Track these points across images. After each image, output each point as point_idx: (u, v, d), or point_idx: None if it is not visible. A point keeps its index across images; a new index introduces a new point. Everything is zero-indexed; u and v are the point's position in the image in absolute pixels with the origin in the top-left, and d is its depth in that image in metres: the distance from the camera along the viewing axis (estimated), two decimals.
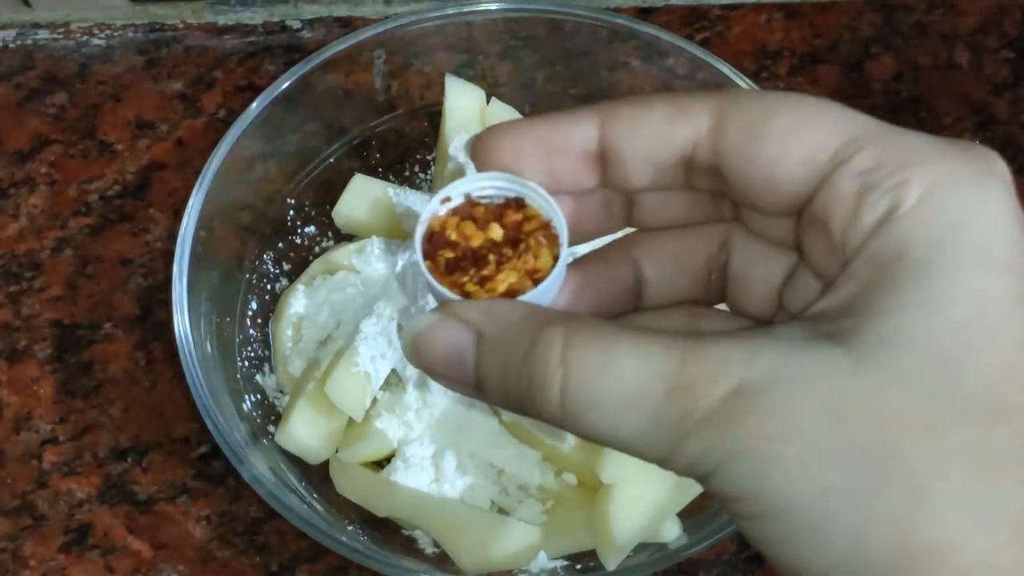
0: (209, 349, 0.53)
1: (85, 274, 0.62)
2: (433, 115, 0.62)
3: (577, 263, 0.32)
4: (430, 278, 0.30)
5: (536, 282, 0.29)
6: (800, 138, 0.27)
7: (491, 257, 0.30)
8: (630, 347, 0.26)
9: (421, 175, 0.63)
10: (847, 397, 0.24)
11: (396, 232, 0.58)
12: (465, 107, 0.60)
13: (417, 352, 0.29)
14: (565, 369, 0.26)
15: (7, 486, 0.57)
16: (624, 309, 0.33)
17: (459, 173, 0.59)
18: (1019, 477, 0.24)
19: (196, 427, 0.57)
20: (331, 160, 0.61)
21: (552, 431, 0.51)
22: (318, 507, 0.51)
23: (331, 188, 0.60)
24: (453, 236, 0.30)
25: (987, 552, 0.24)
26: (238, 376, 0.55)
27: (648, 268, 0.33)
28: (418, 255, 0.30)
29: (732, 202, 0.31)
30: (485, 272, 0.30)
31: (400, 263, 0.54)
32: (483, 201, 0.31)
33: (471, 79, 0.61)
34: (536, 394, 0.27)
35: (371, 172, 0.61)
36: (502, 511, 0.52)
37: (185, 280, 0.52)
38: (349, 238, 0.60)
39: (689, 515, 0.51)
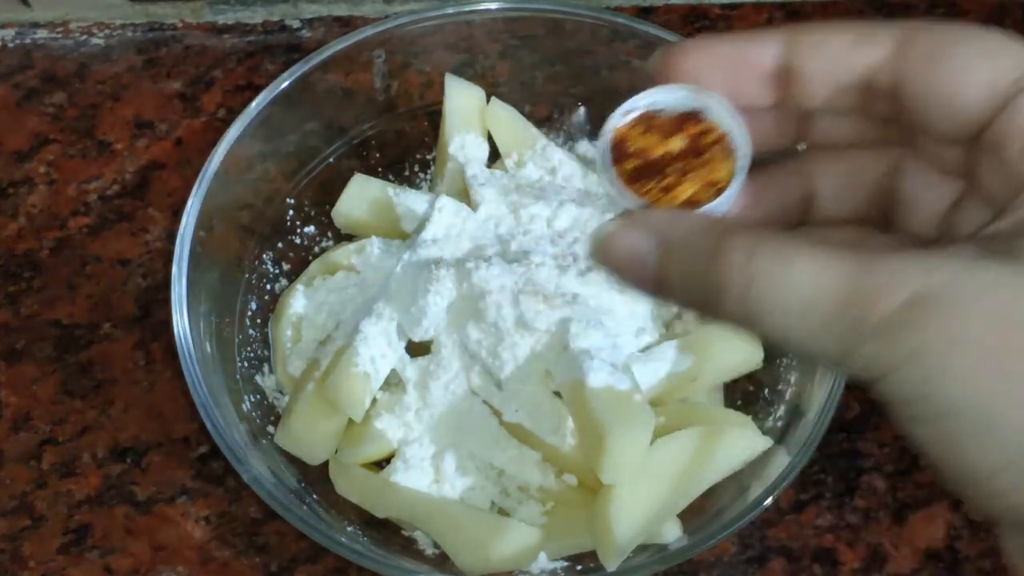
0: (208, 349, 0.52)
1: (84, 274, 0.62)
2: (433, 115, 0.61)
3: (752, 173, 0.33)
4: (618, 186, 0.32)
5: (717, 193, 0.31)
6: (982, 65, 0.29)
7: (673, 167, 0.32)
8: (810, 256, 0.28)
9: (421, 175, 0.63)
10: (1017, 311, 0.26)
11: (396, 232, 0.58)
12: (465, 107, 0.60)
13: (604, 252, 0.31)
14: (748, 273, 0.28)
15: (6, 486, 0.56)
16: (793, 222, 0.35)
17: (460, 173, 0.59)
18: None
19: (195, 427, 0.57)
20: (331, 160, 0.61)
21: (552, 431, 0.51)
22: (318, 508, 0.51)
23: (331, 188, 0.60)
24: (637, 146, 0.32)
25: None
26: (237, 376, 0.54)
27: (821, 183, 0.34)
28: (607, 164, 0.32)
29: (904, 128, 0.32)
30: (667, 182, 0.31)
31: (400, 263, 0.54)
32: (665, 113, 0.32)
33: (471, 79, 0.61)
34: (719, 296, 0.29)
35: (371, 172, 0.61)
36: (502, 512, 0.52)
37: (184, 280, 0.52)
38: (349, 238, 0.60)
39: (689, 516, 0.51)
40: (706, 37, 0.32)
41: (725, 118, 0.32)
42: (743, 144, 0.31)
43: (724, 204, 0.31)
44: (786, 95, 0.32)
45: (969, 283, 0.26)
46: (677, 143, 0.32)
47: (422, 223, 0.56)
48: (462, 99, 0.60)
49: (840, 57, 0.31)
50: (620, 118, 0.32)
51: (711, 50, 0.32)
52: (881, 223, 0.34)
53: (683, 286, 0.30)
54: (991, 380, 0.26)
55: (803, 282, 0.27)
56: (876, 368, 0.27)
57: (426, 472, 0.52)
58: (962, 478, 0.27)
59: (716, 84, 0.32)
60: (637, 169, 0.32)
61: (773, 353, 0.55)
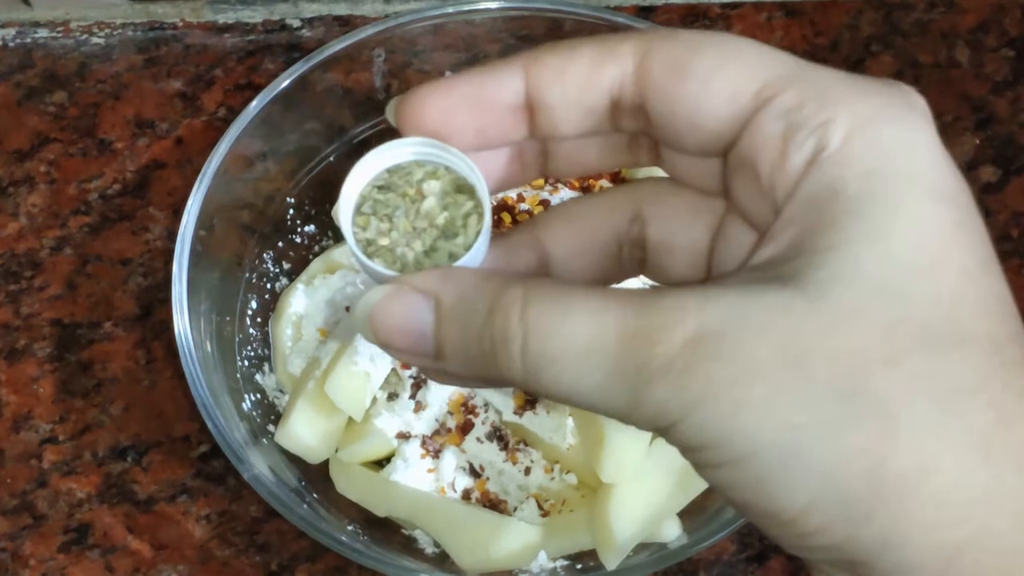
0: (209, 348, 0.52)
1: (85, 273, 0.62)
2: None
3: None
4: (363, 259, 0.30)
5: (465, 249, 0.30)
6: (723, 77, 0.27)
7: (411, 228, 0.30)
8: (585, 302, 0.26)
9: None
10: (805, 335, 0.24)
11: None
12: None
13: (374, 326, 0.29)
14: (525, 326, 0.26)
15: (7, 485, 0.57)
16: None
17: None
18: (982, 401, 0.24)
19: (196, 426, 0.57)
20: (331, 159, 0.61)
21: (552, 431, 0.51)
22: (318, 507, 0.51)
23: (331, 187, 0.59)
24: (376, 209, 0.30)
25: (961, 474, 0.24)
26: (238, 375, 0.54)
27: (552, 248, 0.32)
28: (349, 237, 0.30)
29: (652, 147, 0.31)
30: (407, 244, 0.30)
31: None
32: (402, 169, 0.31)
33: None
34: (497, 353, 0.27)
35: None
36: (502, 511, 0.52)
37: (185, 279, 0.52)
38: None
39: (689, 515, 0.51)
40: (441, 82, 0.30)
41: (464, 170, 0.30)
42: (486, 194, 0.30)
43: (476, 257, 0.30)
44: (534, 126, 0.30)
45: (749, 313, 0.25)
46: (418, 199, 0.30)
47: None
48: None
49: (582, 80, 0.29)
50: (357, 179, 0.31)
51: (450, 93, 0.30)
52: (632, 276, 0.33)
53: (462, 351, 0.28)
54: (785, 414, 0.24)
55: (581, 330, 0.26)
56: (664, 416, 0.25)
57: (426, 471, 0.52)
58: (770, 521, 0.25)
59: (464, 127, 0.30)
60: (378, 233, 0.30)
61: None
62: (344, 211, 0.30)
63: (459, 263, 0.29)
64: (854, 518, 0.24)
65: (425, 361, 0.29)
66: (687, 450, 0.26)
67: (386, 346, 0.29)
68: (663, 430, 0.26)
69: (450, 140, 0.30)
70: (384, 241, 0.30)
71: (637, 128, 0.30)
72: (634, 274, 0.32)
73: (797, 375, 0.24)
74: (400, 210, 0.30)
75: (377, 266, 0.29)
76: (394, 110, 0.31)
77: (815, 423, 0.24)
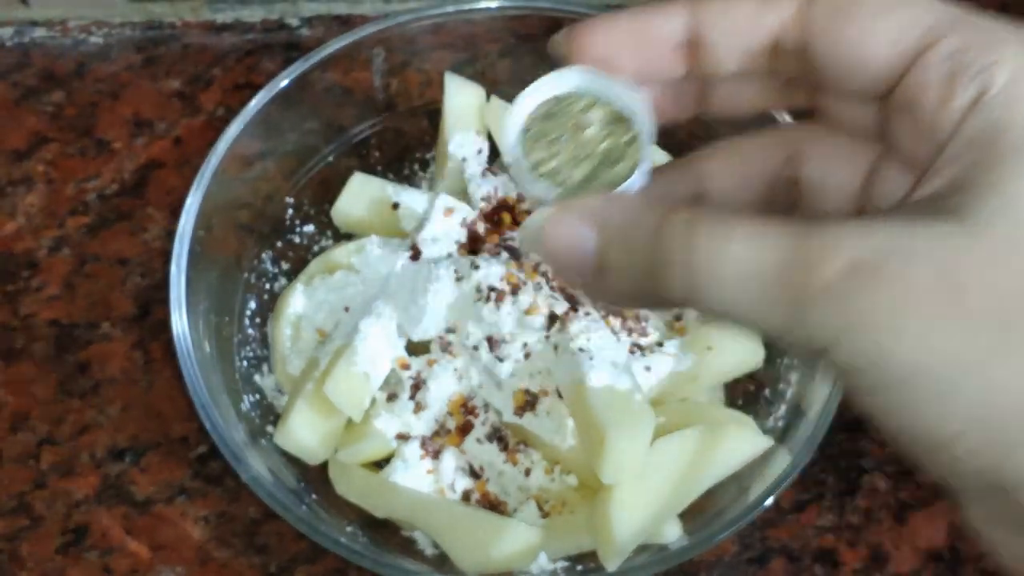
0: (207, 349, 0.52)
1: (83, 273, 0.62)
2: (432, 113, 0.61)
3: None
4: (528, 177, 0.32)
5: (627, 173, 0.31)
6: (888, 20, 0.29)
7: (577, 151, 0.32)
8: (749, 226, 0.27)
9: (420, 173, 0.63)
10: (966, 266, 0.26)
11: (395, 231, 0.58)
12: (465, 105, 0.60)
13: (542, 243, 0.31)
14: (688, 248, 0.28)
15: (4, 487, 0.56)
16: None
17: (459, 171, 0.58)
18: None
19: (194, 427, 0.57)
20: (330, 159, 0.61)
21: (552, 431, 0.51)
22: (317, 508, 0.51)
23: (330, 187, 0.60)
24: (541, 134, 0.32)
25: None
26: (236, 376, 0.54)
27: (709, 183, 0.34)
28: (519, 159, 0.32)
29: (808, 90, 0.32)
30: (573, 167, 0.32)
31: (399, 263, 0.54)
32: (568, 98, 0.33)
33: (471, 77, 0.60)
34: (658, 273, 0.28)
35: (370, 171, 0.61)
36: (502, 512, 0.52)
37: (183, 279, 0.51)
38: (348, 237, 0.60)
39: (690, 516, 0.51)
40: (610, 15, 0.32)
41: (627, 99, 0.32)
42: (646, 124, 0.32)
43: (637, 182, 0.31)
44: (694, 65, 0.32)
45: (909, 244, 0.26)
46: (582, 128, 0.32)
47: (421, 222, 0.56)
48: (462, 98, 0.60)
49: (746, 22, 0.31)
50: (523, 106, 0.33)
51: (616, 27, 0.32)
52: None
53: (625, 269, 0.29)
54: (945, 341, 0.25)
55: (743, 253, 0.27)
56: (822, 338, 0.26)
57: (425, 472, 0.52)
58: (921, 446, 0.27)
59: (624, 60, 0.32)
60: (541, 159, 0.32)
61: (774, 353, 0.55)
62: (509, 135, 0.32)
63: (620, 189, 0.31)
64: (1006, 444, 0.25)
65: (587, 279, 0.30)
66: (842, 374, 0.27)
67: (552, 263, 0.31)
68: (818, 352, 0.27)
69: (612, 73, 0.32)
70: (547, 167, 0.32)
71: (796, 71, 0.31)
72: (786, 214, 0.33)
73: (957, 305, 0.25)
74: (563, 137, 0.32)
75: (543, 187, 0.31)
76: (562, 40, 0.32)
77: (972, 352, 0.25)
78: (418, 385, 0.53)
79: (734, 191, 0.34)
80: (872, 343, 0.26)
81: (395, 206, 0.57)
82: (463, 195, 0.57)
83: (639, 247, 0.29)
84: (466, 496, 0.52)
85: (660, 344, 0.54)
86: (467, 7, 0.59)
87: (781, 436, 0.51)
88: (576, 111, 0.32)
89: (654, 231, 0.28)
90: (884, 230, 0.26)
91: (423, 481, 0.52)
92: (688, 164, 0.35)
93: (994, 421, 0.25)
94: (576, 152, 0.32)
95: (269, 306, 0.58)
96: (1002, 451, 0.26)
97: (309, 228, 0.60)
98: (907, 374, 0.25)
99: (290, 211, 0.60)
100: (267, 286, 0.58)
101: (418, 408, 0.52)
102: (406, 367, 0.53)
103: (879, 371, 0.26)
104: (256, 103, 0.55)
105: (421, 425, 0.52)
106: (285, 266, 0.59)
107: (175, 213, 0.53)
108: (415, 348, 0.53)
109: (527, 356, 0.51)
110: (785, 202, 0.33)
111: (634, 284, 0.29)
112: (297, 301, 0.56)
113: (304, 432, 0.52)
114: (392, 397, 0.53)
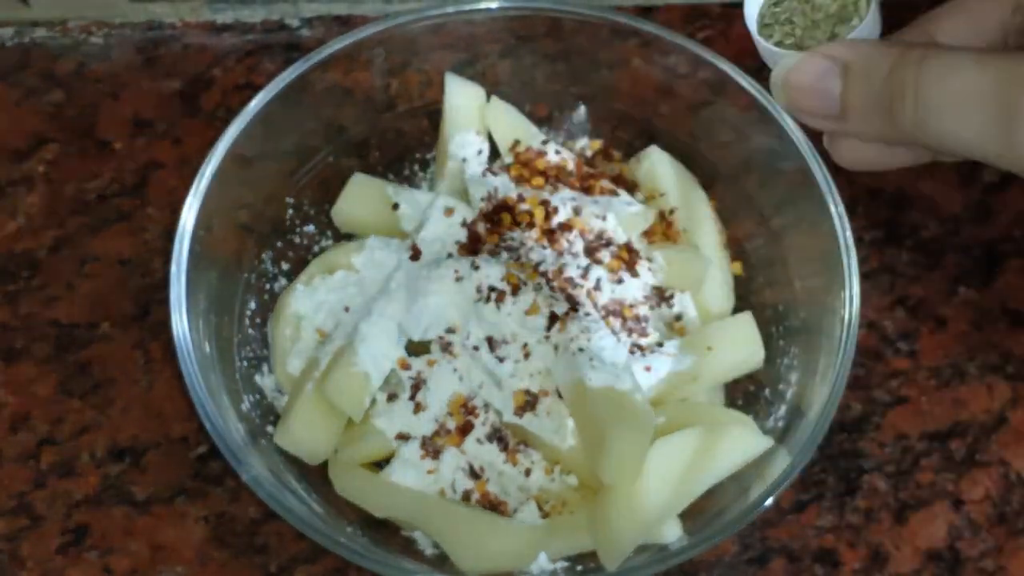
0: (207, 349, 0.52)
1: (83, 273, 0.62)
2: (433, 114, 0.61)
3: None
4: (776, 50, 0.36)
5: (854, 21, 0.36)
6: None
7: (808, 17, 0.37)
8: (972, 58, 0.31)
9: (421, 174, 0.63)
10: None
11: (395, 231, 0.58)
12: (465, 106, 0.60)
13: (788, 85, 0.35)
14: (918, 78, 0.31)
15: (4, 487, 0.56)
16: None
17: (460, 172, 0.58)
18: None
19: (194, 427, 0.57)
20: (330, 159, 0.60)
21: (552, 432, 0.51)
22: (317, 508, 0.51)
23: (330, 187, 0.60)
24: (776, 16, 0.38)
25: None
26: (236, 376, 0.54)
27: (942, 38, 0.36)
28: (761, 42, 0.38)
29: None
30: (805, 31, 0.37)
31: (400, 263, 0.54)
32: None
33: (471, 77, 0.60)
34: (894, 103, 0.32)
35: (370, 171, 0.61)
36: (502, 512, 0.52)
37: (183, 279, 0.51)
38: (348, 237, 0.60)
39: (690, 516, 0.51)
40: None
41: None
42: None
43: (870, 29, 0.35)
44: None
45: None
46: None
47: (421, 222, 0.56)
48: (462, 98, 0.60)
49: None
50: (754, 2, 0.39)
51: None
52: None
53: (864, 104, 0.33)
54: None
55: (966, 78, 0.30)
56: None
57: (426, 472, 0.52)
58: None
59: None
60: (783, 36, 0.37)
61: (774, 353, 0.55)
62: (752, 28, 0.39)
63: (854, 34, 0.35)
64: None
65: (829, 121, 0.35)
66: None
67: (797, 108, 0.36)
68: None
69: None
70: (790, 41, 0.37)
71: None
72: None
73: None
74: (797, 11, 0.37)
75: (788, 52, 0.36)
76: None
77: None
78: (418, 385, 0.53)
79: (966, 42, 0.36)
80: None
81: (395, 206, 0.57)
82: (463, 195, 0.57)
83: (877, 81, 0.32)
84: (466, 496, 0.52)
85: (660, 344, 0.54)
86: (467, 7, 0.59)
87: (781, 436, 0.51)
88: None
89: (891, 67, 0.32)
90: None
91: (423, 481, 0.52)
92: (920, 26, 0.37)
93: None
94: (809, 21, 0.36)
95: (269, 306, 0.58)
96: None
97: (309, 228, 0.60)
98: None
99: (290, 211, 0.60)
100: (267, 286, 0.58)
101: (418, 408, 0.52)
102: (406, 367, 0.53)
103: None
104: (256, 103, 0.55)
105: (421, 425, 0.52)
106: (285, 266, 0.59)
107: (175, 213, 0.53)
108: (415, 348, 0.53)
109: (527, 356, 0.51)
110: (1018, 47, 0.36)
111: (871, 122, 0.33)
112: (297, 301, 0.56)
113: (304, 432, 0.52)
114: (392, 397, 0.53)
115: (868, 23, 0.35)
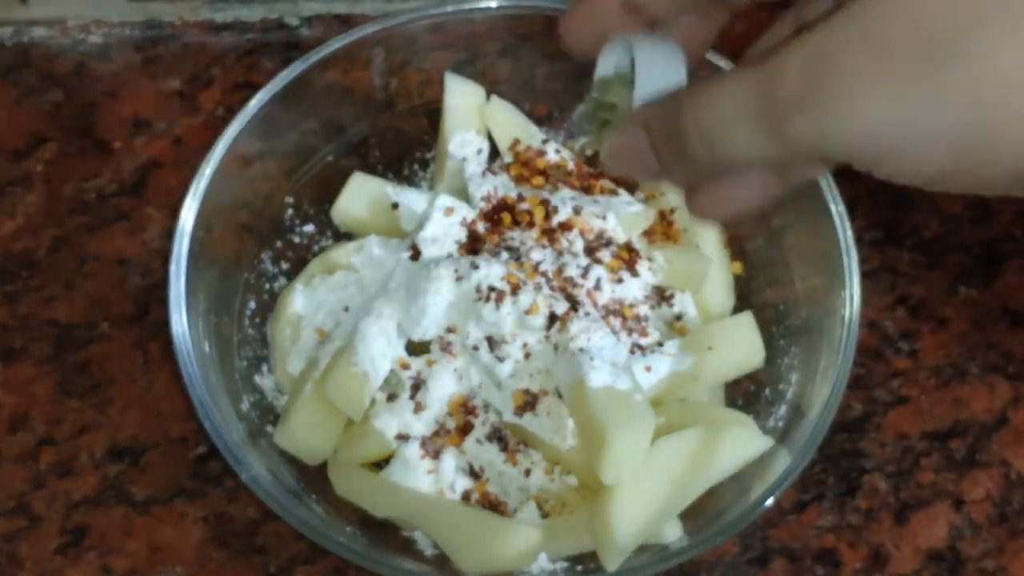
0: (207, 349, 0.52)
1: (82, 273, 0.62)
2: (433, 113, 0.61)
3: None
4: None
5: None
6: None
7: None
8: (732, 77, 0.33)
9: (420, 173, 0.63)
10: (877, 24, 0.30)
11: (395, 231, 0.57)
12: (465, 105, 0.60)
13: (612, 155, 0.39)
14: (695, 114, 0.34)
15: (3, 487, 0.56)
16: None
17: (459, 171, 0.58)
18: None
19: (194, 427, 0.57)
20: (330, 158, 0.60)
21: (552, 432, 0.51)
22: (316, 508, 0.51)
23: (330, 186, 0.60)
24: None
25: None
26: (236, 376, 0.54)
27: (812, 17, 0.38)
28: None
29: None
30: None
31: (399, 263, 0.54)
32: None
33: (471, 77, 0.60)
34: (687, 145, 0.35)
35: (370, 170, 0.61)
36: (502, 512, 0.52)
37: (183, 279, 0.51)
38: (348, 237, 0.60)
39: (690, 516, 0.51)
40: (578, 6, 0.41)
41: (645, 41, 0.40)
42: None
43: (654, 81, 0.39)
44: None
45: (837, 33, 0.30)
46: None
47: (421, 222, 0.55)
48: (462, 97, 0.60)
49: None
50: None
51: (596, 8, 0.40)
52: None
53: (669, 154, 0.36)
54: (889, 103, 0.29)
55: (728, 99, 0.33)
56: (809, 144, 0.31)
57: (425, 472, 0.52)
58: (955, 184, 0.31)
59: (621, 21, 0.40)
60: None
61: (774, 353, 0.55)
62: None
63: (641, 94, 0.39)
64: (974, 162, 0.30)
65: (660, 175, 0.38)
66: (853, 164, 0.32)
67: (628, 172, 0.43)
68: (824, 160, 0.32)
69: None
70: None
71: None
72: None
73: (883, 57, 0.30)
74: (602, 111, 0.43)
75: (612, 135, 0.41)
76: (563, 37, 0.42)
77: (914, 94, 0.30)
78: (418, 385, 0.53)
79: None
80: (845, 131, 0.30)
81: (395, 206, 0.57)
82: (463, 195, 0.57)
83: (671, 135, 0.35)
84: (466, 496, 0.52)
85: (660, 344, 0.54)
86: (467, 7, 0.59)
87: (781, 436, 0.51)
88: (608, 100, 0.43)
89: (677, 110, 0.35)
90: (816, 33, 0.31)
91: (423, 481, 0.52)
92: (794, 13, 0.41)
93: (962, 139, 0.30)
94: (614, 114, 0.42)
95: (269, 306, 0.58)
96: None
97: (309, 228, 0.60)
98: (884, 143, 0.30)
99: (290, 211, 0.60)
100: (267, 286, 0.58)
101: (418, 408, 0.52)
102: (406, 367, 0.53)
103: (866, 150, 0.30)
104: (256, 103, 0.55)
105: (421, 425, 0.52)
106: (285, 266, 0.59)
107: (175, 213, 0.53)
108: (415, 348, 0.53)
109: (527, 356, 0.51)
110: None
111: (679, 166, 0.36)
112: (297, 301, 0.56)
113: (304, 432, 0.52)
114: (392, 397, 0.53)
115: (653, 76, 0.39)
